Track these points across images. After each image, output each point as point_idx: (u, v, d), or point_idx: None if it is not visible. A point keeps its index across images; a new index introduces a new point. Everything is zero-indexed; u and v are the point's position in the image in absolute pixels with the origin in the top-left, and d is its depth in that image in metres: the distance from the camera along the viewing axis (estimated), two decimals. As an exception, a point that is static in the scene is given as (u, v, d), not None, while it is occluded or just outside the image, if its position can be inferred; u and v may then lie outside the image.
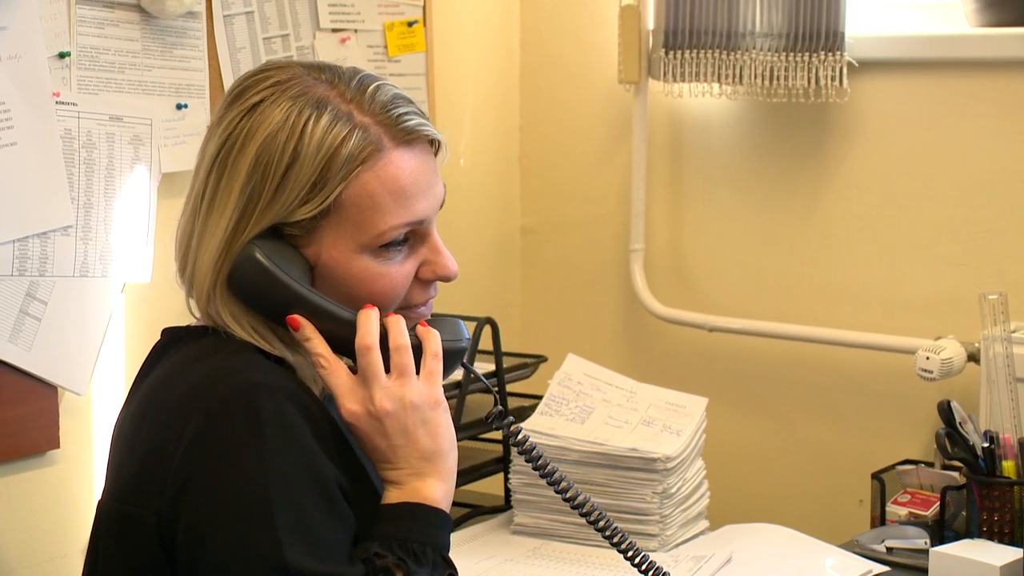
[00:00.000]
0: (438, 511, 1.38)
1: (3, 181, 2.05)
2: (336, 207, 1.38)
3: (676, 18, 2.62)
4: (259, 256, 1.37)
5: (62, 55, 2.15)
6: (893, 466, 2.31)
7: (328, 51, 2.52)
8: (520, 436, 1.52)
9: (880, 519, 2.21)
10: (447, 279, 1.45)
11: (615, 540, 1.54)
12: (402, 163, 1.40)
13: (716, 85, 2.62)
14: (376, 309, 1.40)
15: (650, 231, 2.78)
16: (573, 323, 2.89)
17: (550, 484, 1.52)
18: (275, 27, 2.45)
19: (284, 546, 1.29)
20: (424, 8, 2.67)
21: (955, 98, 2.48)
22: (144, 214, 2.27)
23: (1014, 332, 2.24)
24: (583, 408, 2.28)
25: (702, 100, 2.68)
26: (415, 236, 1.43)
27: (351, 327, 1.39)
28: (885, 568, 1.94)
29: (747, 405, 2.70)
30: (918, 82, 2.51)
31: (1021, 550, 1.84)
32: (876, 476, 2.26)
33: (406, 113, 1.41)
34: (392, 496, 1.38)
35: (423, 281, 1.45)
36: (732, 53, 2.58)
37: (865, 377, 2.58)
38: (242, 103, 1.40)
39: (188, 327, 1.49)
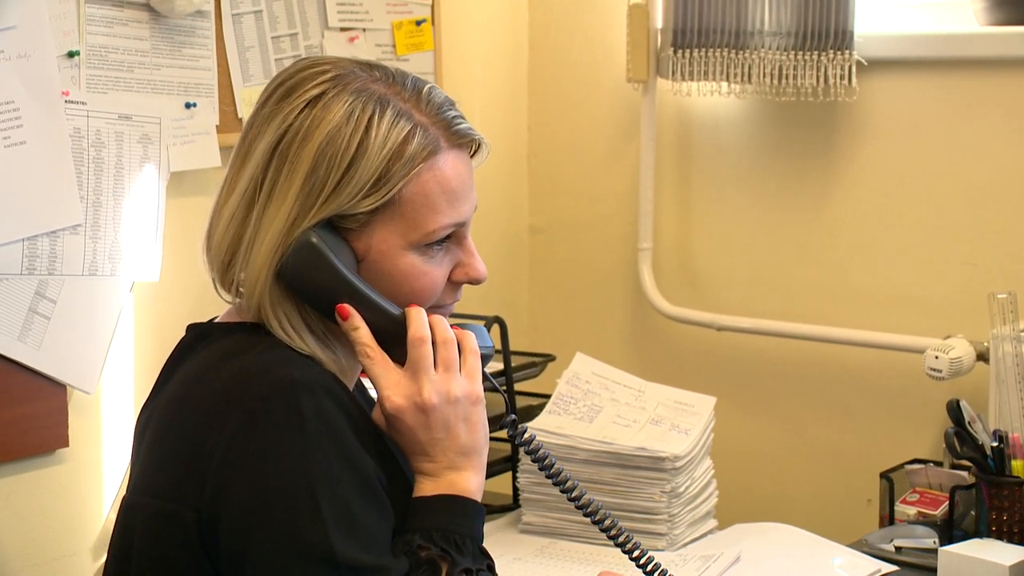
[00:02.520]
0: (475, 503, 1.40)
1: (12, 180, 2.06)
2: (393, 203, 1.39)
3: (685, 17, 2.62)
4: (318, 243, 1.38)
5: (71, 54, 2.15)
6: (902, 465, 2.31)
7: (336, 50, 2.52)
8: (526, 436, 1.51)
9: (889, 518, 2.21)
10: (477, 282, 1.47)
11: (620, 540, 1.54)
12: (455, 164, 1.42)
13: (725, 84, 2.61)
14: (422, 307, 1.42)
15: (658, 230, 2.78)
16: (581, 322, 2.89)
17: (556, 484, 1.52)
18: (284, 26, 2.45)
19: (333, 539, 1.30)
20: (432, 7, 2.67)
21: (964, 97, 2.48)
22: (153, 213, 2.28)
23: (1023, 331, 2.24)
24: (591, 407, 2.28)
25: (710, 99, 2.68)
26: (453, 238, 1.45)
27: (395, 321, 1.41)
28: (894, 568, 1.94)
29: (755, 404, 2.70)
30: (927, 81, 2.51)
31: (1030, 551, 1.84)
32: (885, 475, 2.26)
33: (457, 116, 1.44)
34: (427, 488, 1.39)
35: (453, 283, 1.47)
36: (741, 52, 2.57)
37: (874, 376, 2.58)
38: (300, 95, 1.40)
39: (215, 324, 1.49)
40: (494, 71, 2.85)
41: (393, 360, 1.41)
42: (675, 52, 2.63)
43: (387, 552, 1.34)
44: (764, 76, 2.55)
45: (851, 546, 2.10)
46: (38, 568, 2.22)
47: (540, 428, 2.17)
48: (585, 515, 1.54)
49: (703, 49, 2.61)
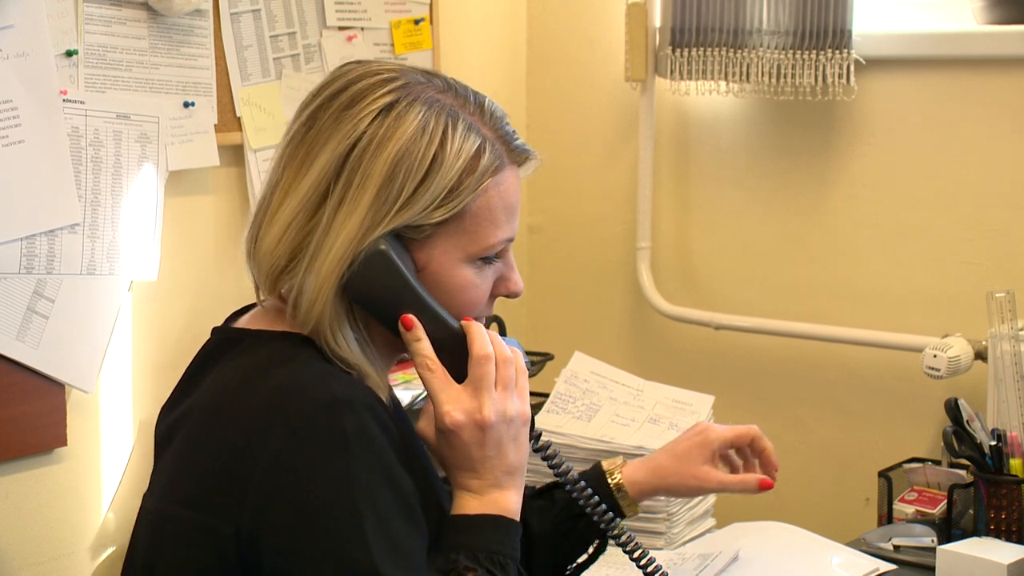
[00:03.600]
0: (516, 523, 1.40)
1: (10, 179, 2.05)
2: (459, 216, 1.40)
3: (683, 16, 2.61)
4: (392, 254, 1.38)
5: (69, 53, 2.15)
6: (900, 464, 2.31)
7: (334, 49, 2.52)
8: (542, 442, 1.51)
9: (887, 517, 2.21)
10: (515, 296, 1.49)
11: (628, 548, 1.53)
12: (514, 180, 1.44)
13: (723, 83, 2.61)
14: (470, 319, 1.43)
15: (656, 229, 2.77)
16: (580, 321, 2.89)
17: (569, 492, 1.51)
18: (282, 25, 2.44)
19: (376, 557, 1.30)
20: (431, 6, 2.67)
21: (962, 96, 2.47)
22: (151, 212, 2.27)
23: (1022, 330, 2.23)
24: (589, 406, 2.27)
25: (709, 98, 2.67)
26: (500, 252, 1.46)
27: (454, 335, 1.41)
28: (892, 566, 1.94)
29: (753, 403, 2.70)
30: (925, 80, 2.51)
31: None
32: (883, 474, 2.25)
33: (513, 132, 1.46)
34: (471, 506, 1.39)
35: (491, 296, 1.48)
36: (739, 51, 2.57)
37: (872, 375, 2.57)
38: (369, 103, 1.39)
39: (247, 330, 1.47)
40: (492, 70, 2.84)
41: (448, 371, 1.41)
42: (673, 51, 2.63)
43: (425, 570, 1.34)
44: (762, 75, 2.55)
45: (849, 545, 2.10)
46: (37, 567, 2.21)
47: (539, 427, 2.17)
48: (596, 522, 1.53)
49: (701, 48, 2.61)
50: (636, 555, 1.53)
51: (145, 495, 1.45)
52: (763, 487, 1.74)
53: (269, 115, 2.43)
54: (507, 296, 1.48)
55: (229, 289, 2.44)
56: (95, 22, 2.17)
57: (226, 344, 1.46)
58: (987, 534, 2.01)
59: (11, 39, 2.04)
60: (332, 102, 1.41)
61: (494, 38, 2.87)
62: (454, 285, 1.42)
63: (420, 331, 1.40)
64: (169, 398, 1.51)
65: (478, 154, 1.40)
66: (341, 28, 2.54)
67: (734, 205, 2.71)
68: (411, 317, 1.39)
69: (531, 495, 1.70)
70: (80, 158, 2.17)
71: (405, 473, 1.35)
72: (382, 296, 1.39)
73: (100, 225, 2.20)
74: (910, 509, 2.18)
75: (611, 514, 1.53)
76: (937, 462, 2.30)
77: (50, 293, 2.14)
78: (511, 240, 1.45)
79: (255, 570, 1.32)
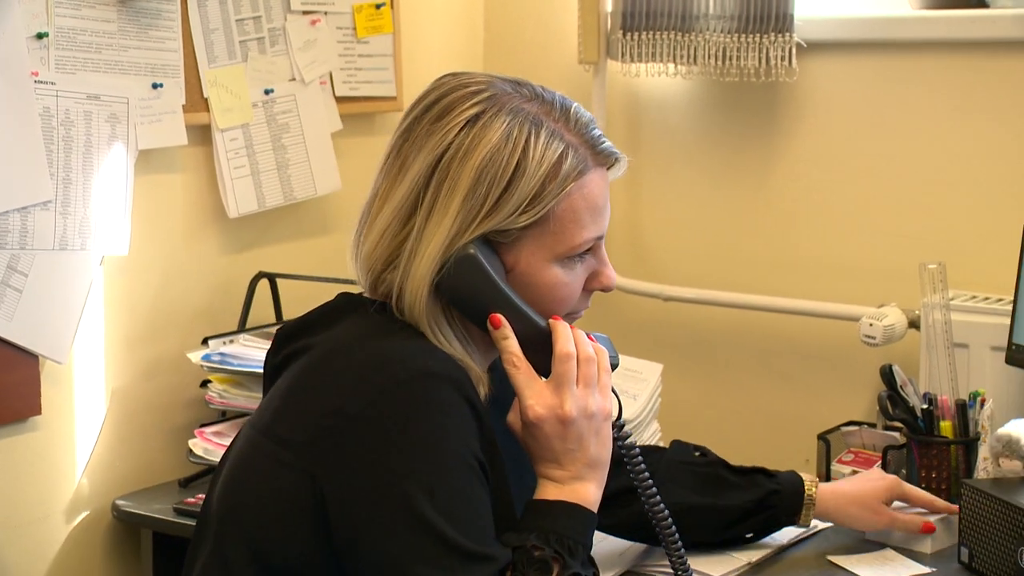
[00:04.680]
0: (592, 514, 1.41)
1: (-16, 158, 2.04)
2: (545, 219, 1.41)
3: (633, 1, 2.62)
4: (480, 258, 1.40)
5: (40, 35, 2.14)
6: (838, 427, 2.33)
7: (299, 32, 2.51)
8: (629, 440, 1.50)
9: (826, 477, 2.23)
10: (609, 289, 1.50)
11: (675, 557, 1.52)
12: (600, 182, 1.45)
13: (671, 65, 2.62)
14: (565, 321, 1.45)
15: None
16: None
17: (640, 489, 1.50)
18: (247, 9, 2.44)
19: (445, 522, 1.31)
20: (391, -9, 2.67)
21: (898, 77, 2.49)
22: (121, 189, 2.26)
23: (952, 300, 2.26)
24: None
25: (658, 80, 2.68)
26: (590, 249, 1.47)
27: (541, 333, 1.43)
28: (828, 524, 1.96)
29: (700, 371, 2.72)
30: (863, 62, 2.53)
31: (956, 506, 1.86)
32: (822, 437, 2.28)
33: (601, 136, 1.46)
34: (551, 493, 1.41)
35: (586, 291, 1.49)
36: (687, 35, 2.58)
37: (812, 343, 2.60)
38: (458, 114, 1.41)
39: (364, 297, 1.48)
40: (451, 53, 2.84)
41: (535, 368, 1.43)
42: (624, 35, 2.64)
43: (494, 543, 1.35)
44: (709, 58, 2.56)
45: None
46: (13, 531, 2.21)
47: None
48: (655, 522, 1.51)
49: (651, 32, 2.62)
50: (676, 554, 1.52)
51: (251, 420, 1.46)
52: (926, 530, 1.88)
53: (235, 96, 2.43)
54: (601, 290, 1.49)
55: (197, 263, 2.45)
56: (65, 5, 2.16)
57: (348, 305, 1.47)
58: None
59: (-17, 22, 2.02)
60: (425, 115, 1.43)
61: (452, 22, 2.87)
62: (543, 284, 1.44)
63: (508, 330, 1.42)
64: (277, 340, 1.51)
65: (560, 160, 1.41)
66: (305, 12, 2.53)
67: (682, 182, 2.73)
68: (499, 316, 1.42)
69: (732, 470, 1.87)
70: (52, 137, 2.16)
71: (482, 453, 1.37)
72: (472, 297, 1.41)
73: (72, 202, 2.19)
74: (847, 470, 2.20)
75: (670, 520, 1.51)
76: (872, 425, 2.32)
77: (23, 268, 2.13)
78: (600, 238, 1.46)
79: (325, 516, 1.34)
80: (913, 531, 1.87)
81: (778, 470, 1.88)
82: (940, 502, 1.90)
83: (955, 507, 1.87)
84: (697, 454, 1.89)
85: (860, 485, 1.91)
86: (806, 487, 1.86)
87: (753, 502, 1.84)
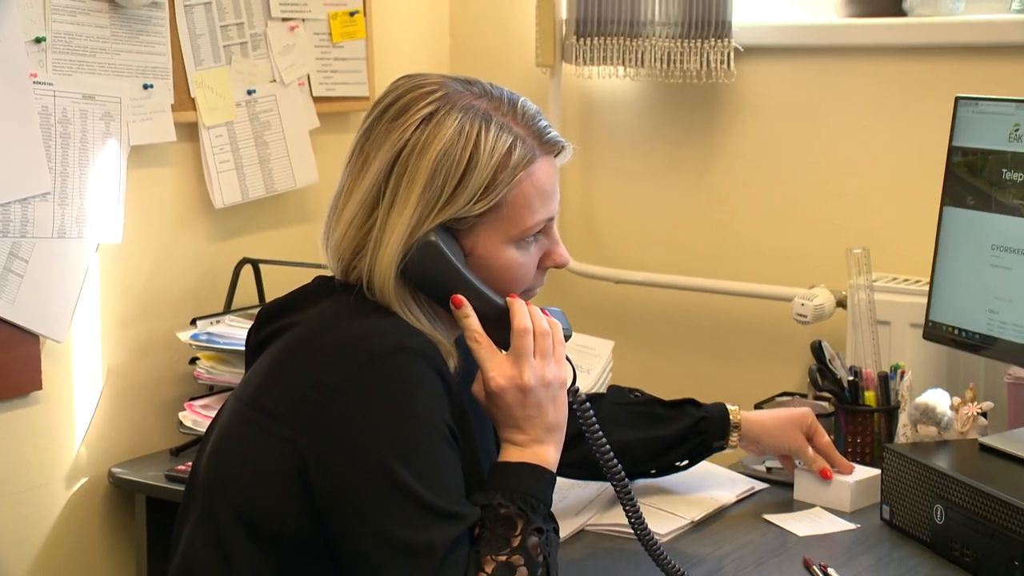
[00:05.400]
0: (551, 473, 1.42)
1: (-13, 153, 2.02)
2: (498, 206, 1.41)
3: (586, 8, 2.62)
4: (440, 244, 1.40)
5: (38, 40, 2.12)
6: (773, 398, 2.34)
7: (278, 38, 2.50)
8: (584, 404, 1.50)
9: (762, 443, 2.24)
10: (562, 266, 1.50)
11: (628, 506, 1.52)
12: (547, 169, 1.45)
13: (621, 68, 2.62)
14: (521, 298, 1.45)
15: (564, 195, 2.75)
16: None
17: (593, 444, 1.50)
18: (231, 16, 2.42)
19: (419, 485, 1.31)
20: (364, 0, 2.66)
21: (826, 79, 2.51)
22: (115, 182, 2.25)
23: (875, 281, 2.28)
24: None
25: (609, 81, 2.69)
26: (542, 230, 1.47)
27: (499, 310, 1.43)
28: (765, 485, 1.97)
29: (648, 347, 2.73)
30: (794, 65, 2.54)
31: (877, 470, 1.87)
32: (758, 406, 2.29)
33: (547, 126, 1.46)
34: (514, 455, 1.41)
35: (541, 269, 1.49)
36: (634, 40, 2.58)
37: (749, 322, 2.61)
38: (414, 113, 1.41)
39: (339, 280, 1.47)
40: (419, 57, 2.84)
41: (495, 342, 1.43)
42: (578, 40, 2.64)
43: (465, 503, 1.36)
44: (655, 61, 2.57)
45: (730, 467, 2.13)
46: (17, 496, 2.20)
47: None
48: (609, 477, 1.51)
49: (602, 37, 2.62)
50: (631, 514, 1.51)
51: (236, 393, 1.46)
52: (823, 475, 1.89)
53: (220, 96, 2.42)
54: (555, 267, 1.50)
55: (185, 250, 2.44)
56: (61, 12, 2.14)
57: (325, 289, 1.47)
58: (845, 457, 2.04)
59: (-15, 27, 2.01)
60: (384, 115, 1.43)
61: (421, 29, 2.86)
62: (500, 265, 1.44)
63: (468, 308, 1.42)
64: (259, 319, 1.51)
65: (510, 151, 1.41)
66: (284, 19, 2.52)
67: (631, 175, 2.73)
68: (460, 297, 1.42)
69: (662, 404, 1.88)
70: (50, 134, 2.14)
71: (452, 421, 1.37)
72: (435, 280, 1.41)
73: (69, 194, 2.18)
74: (781, 436, 2.21)
75: (623, 473, 1.51)
76: (804, 395, 2.33)
77: (24, 254, 2.12)
78: (551, 219, 1.46)
79: (307, 480, 1.34)
80: (814, 470, 1.89)
81: (705, 402, 1.90)
82: (839, 457, 1.91)
83: (851, 465, 1.90)
84: (633, 395, 1.90)
85: (778, 411, 1.95)
86: (731, 413, 1.88)
87: (685, 429, 1.85)
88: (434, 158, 1.39)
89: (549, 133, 1.46)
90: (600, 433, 1.50)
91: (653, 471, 1.88)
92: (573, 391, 1.49)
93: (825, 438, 1.91)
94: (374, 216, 1.41)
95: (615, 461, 1.50)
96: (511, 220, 1.42)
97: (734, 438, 1.88)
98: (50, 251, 2.15)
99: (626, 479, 1.51)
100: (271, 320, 1.49)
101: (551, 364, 1.43)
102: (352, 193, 1.43)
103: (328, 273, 1.48)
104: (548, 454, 1.42)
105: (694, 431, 1.86)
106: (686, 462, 1.89)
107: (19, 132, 2.08)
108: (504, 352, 1.43)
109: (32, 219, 2.13)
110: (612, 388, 1.91)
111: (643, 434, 1.84)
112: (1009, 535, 1.59)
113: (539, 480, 1.40)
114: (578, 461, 1.70)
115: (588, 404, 1.50)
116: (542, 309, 1.47)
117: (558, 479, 1.44)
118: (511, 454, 1.41)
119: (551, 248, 1.48)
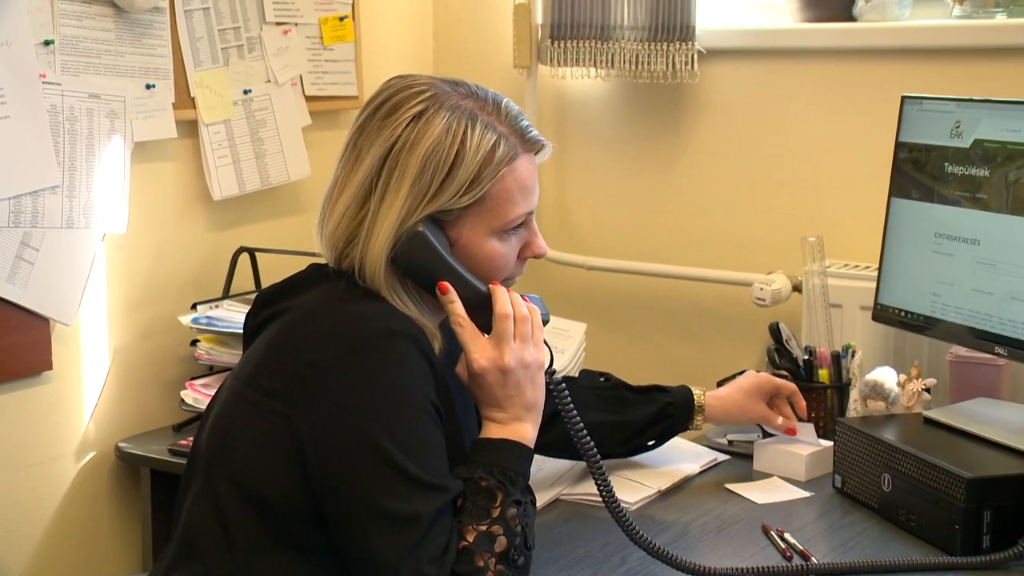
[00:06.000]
0: (529, 449, 1.42)
1: (-1, 148, 2.01)
2: (482, 199, 1.41)
3: (560, 14, 2.62)
4: (427, 235, 1.40)
5: (47, 42, 2.11)
6: (734, 375, 2.34)
7: (273, 41, 2.49)
8: (561, 385, 1.50)
9: (723, 418, 2.24)
10: (540, 256, 1.50)
11: (600, 482, 1.50)
12: (528, 165, 1.45)
13: (592, 69, 2.62)
14: (502, 285, 1.45)
15: (540, 188, 2.77)
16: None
17: (569, 424, 1.49)
18: (228, 20, 2.41)
19: (406, 458, 1.32)
20: (353, 5, 2.65)
21: (783, 80, 2.51)
22: (120, 176, 2.24)
23: (828, 267, 2.29)
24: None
25: (582, 82, 2.69)
26: (523, 222, 1.47)
27: (482, 296, 1.43)
28: (726, 456, 1.98)
29: (618, 329, 2.74)
30: (754, 67, 2.54)
31: (830, 443, 1.87)
32: (721, 384, 2.29)
33: (529, 126, 1.46)
34: (494, 432, 1.41)
35: (521, 259, 1.49)
36: (605, 43, 2.58)
37: (712, 305, 2.62)
38: (404, 111, 1.41)
39: (331, 268, 1.46)
40: (404, 58, 2.83)
41: (478, 326, 1.43)
42: (553, 43, 2.63)
43: (448, 476, 1.36)
44: (624, 63, 2.57)
45: (694, 440, 2.14)
46: (29, 470, 2.20)
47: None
48: (584, 455, 1.50)
49: (575, 40, 2.62)
50: (603, 489, 1.49)
51: (234, 372, 1.45)
52: (789, 432, 1.91)
53: (218, 95, 2.41)
54: (534, 257, 1.50)
55: (186, 239, 2.43)
56: (68, 16, 2.13)
57: (318, 275, 1.47)
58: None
59: (-3, 31, 1.99)
60: (376, 113, 1.43)
61: (406, 32, 2.85)
62: (483, 255, 1.44)
63: (453, 295, 1.42)
64: (256, 304, 1.50)
65: (494, 148, 1.41)
66: (278, 23, 2.51)
67: (602, 168, 2.73)
68: (446, 284, 1.42)
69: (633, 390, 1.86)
70: (58, 131, 2.13)
71: (437, 400, 1.37)
72: (422, 268, 1.41)
73: (77, 187, 2.16)
74: (741, 411, 2.21)
75: (596, 451, 1.51)
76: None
77: (35, 243, 2.11)
78: (531, 213, 1.47)
79: (301, 454, 1.34)
80: (780, 430, 1.91)
81: (671, 386, 1.89)
82: (802, 401, 1.93)
83: (803, 405, 1.92)
84: (602, 379, 1.89)
85: (737, 385, 1.94)
86: (695, 396, 1.88)
87: (652, 414, 1.85)
88: (423, 154, 1.39)
89: (530, 132, 1.46)
90: (575, 413, 1.50)
91: (623, 453, 1.88)
92: (550, 373, 1.49)
93: (790, 386, 1.93)
94: (366, 207, 1.41)
95: (589, 439, 1.50)
96: (494, 213, 1.43)
97: (699, 420, 1.88)
98: (59, 240, 2.14)
99: (599, 457, 1.51)
100: (267, 304, 1.48)
101: (530, 347, 1.43)
102: (345, 186, 1.43)
103: (321, 260, 1.48)
104: (527, 431, 1.42)
105: (661, 415, 1.86)
106: (653, 442, 1.89)
107: (29, 129, 2.07)
108: (486, 335, 1.43)
109: (42, 210, 2.12)
110: (583, 372, 1.91)
111: (613, 417, 1.84)
112: (950, 501, 1.61)
113: (518, 455, 1.40)
114: (554, 443, 1.70)
115: (564, 385, 1.50)
116: (522, 296, 1.47)
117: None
118: (492, 431, 1.42)
119: (530, 240, 1.49)
